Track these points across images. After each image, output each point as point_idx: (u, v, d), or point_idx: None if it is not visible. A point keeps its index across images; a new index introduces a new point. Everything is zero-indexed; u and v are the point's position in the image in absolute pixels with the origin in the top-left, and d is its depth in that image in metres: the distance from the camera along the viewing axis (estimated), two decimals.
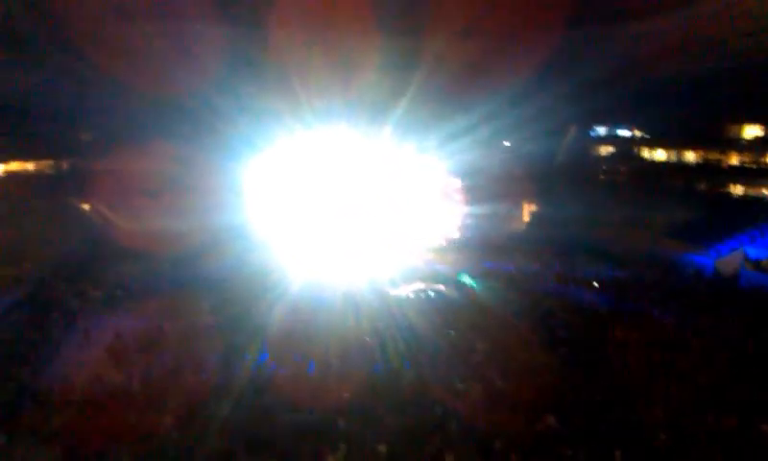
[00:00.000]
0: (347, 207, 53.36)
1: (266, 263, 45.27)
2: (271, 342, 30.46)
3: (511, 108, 61.67)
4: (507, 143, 74.69)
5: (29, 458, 20.93)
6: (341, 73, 53.75)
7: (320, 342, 30.23)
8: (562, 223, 58.23)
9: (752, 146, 58.47)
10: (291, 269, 43.51)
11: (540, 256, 51.96)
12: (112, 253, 47.47)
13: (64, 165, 62.84)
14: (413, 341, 30.72)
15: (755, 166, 57.82)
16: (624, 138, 73.79)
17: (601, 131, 76.68)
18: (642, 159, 70.26)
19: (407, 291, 40.31)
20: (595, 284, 43.84)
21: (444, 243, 56.55)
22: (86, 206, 57.04)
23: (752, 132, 58.92)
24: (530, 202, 68.86)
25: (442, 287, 41.09)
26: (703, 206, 56.61)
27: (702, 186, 62.30)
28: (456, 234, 59.28)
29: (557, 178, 68.59)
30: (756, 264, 44.22)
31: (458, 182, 68.65)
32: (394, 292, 40.21)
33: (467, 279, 41.73)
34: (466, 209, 62.19)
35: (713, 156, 62.31)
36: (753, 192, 56.85)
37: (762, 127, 57.64)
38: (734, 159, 60.12)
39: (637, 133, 72.18)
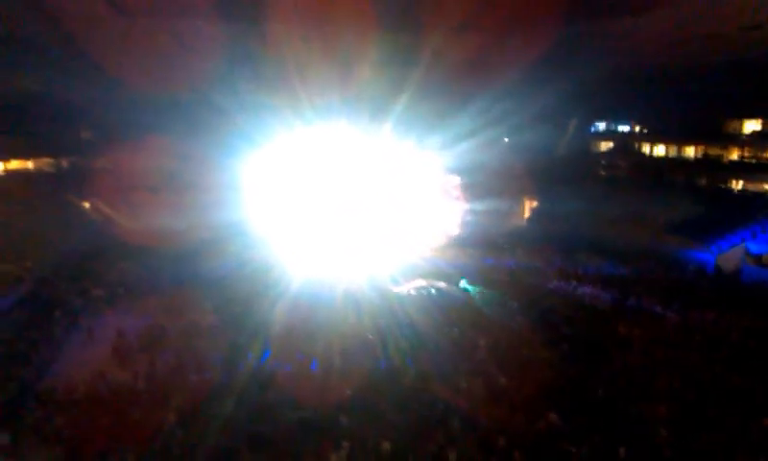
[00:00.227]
0: (347, 204, 53.34)
1: (267, 260, 45.26)
2: (273, 340, 30.47)
3: (510, 104, 61.63)
4: (507, 139, 74.70)
5: (32, 457, 20.96)
6: (340, 69, 53.63)
7: (322, 339, 30.25)
8: (562, 219, 58.25)
9: (752, 141, 58.48)
10: (292, 266, 43.49)
11: (541, 253, 51.96)
12: (114, 250, 47.46)
13: (65, 163, 62.84)
14: (415, 338, 30.73)
15: (755, 161, 57.83)
16: (624, 134, 73.79)
17: (601, 126, 76.68)
18: (643, 155, 70.27)
19: (408, 288, 40.30)
20: (597, 281, 43.84)
21: (445, 240, 56.52)
22: (87, 204, 57.01)
23: (752, 126, 58.93)
24: (530, 198, 68.85)
25: (443, 284, 41.07)
26: (704, 201, 56.63)
27: (702, 182, 62.33)
28: (457, 231, 59.23)
29: (557, 173, 68.58)
30: (758, 259, 44.27)
31: (458, 179, 68.69)
32: (395, 289, 40.21)
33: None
34: (466, 206, 62.17)
35: (714, 151, 62.32)
36: (753, 187, 56.86)
37: (762, 122, 57.64)
38: (735, 155, 60.14)
39: (638, 129, 72.17)
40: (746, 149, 59.12)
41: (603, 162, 74.75)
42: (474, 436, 21.69)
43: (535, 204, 68.52)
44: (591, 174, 71.76)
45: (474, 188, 63.52)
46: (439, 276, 42.91)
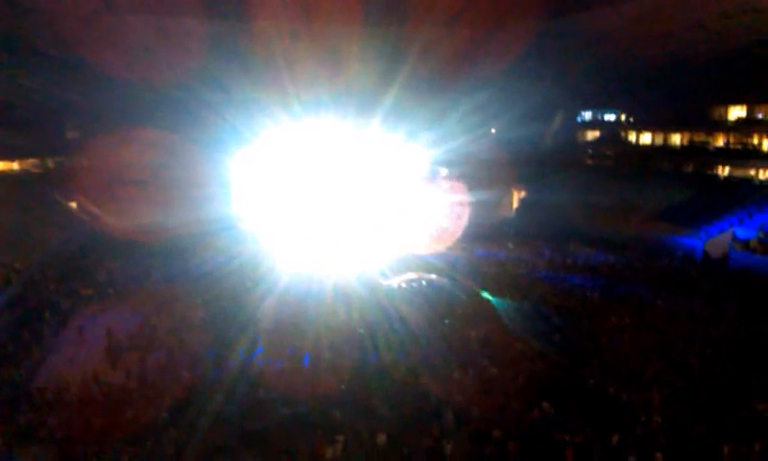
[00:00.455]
0: (336, 199, 53.25)
1: (257, 256, 45.18)
2: (264, 335, 30.42)
3: (497, 96, 61.72)
4: (494, 131, 74.81)
5: (25, 458, 20.83)
6: (328, 64, 53.51)
7: (312, 334, 30.23)
8: (551, 209, 58.45)
9: (737, 127, 58.79)
10: (282, 261, 43.43)
11: (531, 243, 52.18)
12: (102, 249, 47.21)
13: (51, 163, 62.35)
14: (405, 331, 30.76)
15: (740, 147, 58.15)
16: (611, 123, 73.98)
17: (587, 116, 76.84)
18: (629, 143, 70.49)
19: (398, 281, 40.30)
20: (586, 270, 44.05)
21: (435, 232, 56.60)
22: (75, 204, 56.63)
23: (736, 113, 59.23)
24: (519, 189, 69.02)
25: (433, 277, 41.11)
26: (691, 188, 56.93)
27: (689, 169, 62.61)
28: (446, 223, 59.30)
29: (545, 164, 68.77)
30: (745, 244, 44.52)
31: (446, 171, 68.79)
32: (385, 283, 40.20)
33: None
34: (455, 198, 62.21)
35: (700, 138, 62.60)
36: (739, 173, 57.20)
37: (747, 108, 57.96)
38: (721, 141, 60.45)
39: (624, 118, 72.37)
40: (731, 135, 59.43)
41: (590, 152, 74.94)
42: (468, 428, 21.73)
43: (523, 194, 68.69)
44: (579, 163, 71.94)
45: (463, 180, 63.59)
46: (428, 268, 42.94)
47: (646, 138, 69.24)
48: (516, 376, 25.62)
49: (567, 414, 22.10)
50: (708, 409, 22.59)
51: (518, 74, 58.33)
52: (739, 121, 58.58)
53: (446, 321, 32.77)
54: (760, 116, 56.83)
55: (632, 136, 70.74)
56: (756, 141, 56.84)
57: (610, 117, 74.25)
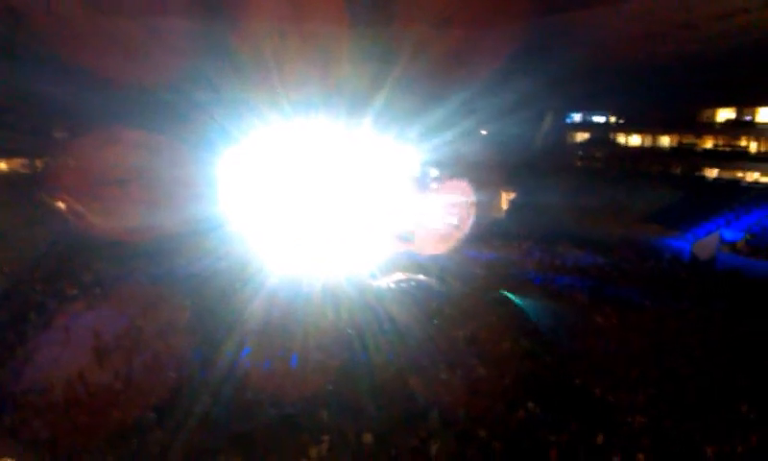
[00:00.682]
0: (325, 199, 53.16)
1: (244, 256, 45.06)
2: (251, 336, 30.35)
3: (487, 96, 61.75)
4: (484, 132, 74.90)
5: (9, 459, 20.70)
6: (318, 64, 53.45)
7: (300, 335, 30.19)
8: (540, 210, 58.60)
9: (725, 129, 59.10)
10: (270, 261, 43.34)
11: (520, 244, 52.29)
12: (89, 249, 46.93)
13: (37, 162, 61.97)
14: (394, 332, 30.77)
15: (728, 149, 58.47)
16: (600, 124, 74.17)
17: (577, 117, 77.02)
18: (618, 145, 70.72)
19: (387, 282, 40.31)
20: (574, 271, 44.19)
21: (424, 233, 56.63)
22: (61, 204, 56.30)
23: (725, 115, 59.53)
24: (508, 190, 69.12)
25: (422, 277, 41.14)
26: (679, 190, 57.18)
27: (677, 171, 62.89)
28: (436, 223, 59.38)
29: (534, 165, 68.90)
30: (732, 246, 44.77)
31: (436, 172, 68.83)
32: (374, 283, 40.19)
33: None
34: (445, 198, 62.29)
35: (688, 140, 62.90)
36: (727, 175, 57.51)
37: (735, 110, 58.28)
38: (709, 143, 60.75)
39: (613, 119, 72.60)
40: (720, 138, 59.75)
41: (579, 153, 75.12)
42: (454, 428, 21.75)
43: (513, 196, 68.80)
44: (568, 165, 72.10)
45: (452, 181, 63.65)
46: (417, 269, 42.97)
47: (635, 140, 69.49)
48: (502, 376, 25.68)
49: (553, 414, 22.17)
50: (692, 410, 22.70)
51: (508, 75, 58.35)
52: (728, 123, 58.89)
53: (435, 321, 32.80)
54: (748, 118, 57.16)
55: (621, 138, 70.97)
56: (743, 143, 57.18)
57: (599, 119, 74.45)
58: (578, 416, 21.99)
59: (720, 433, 20.92)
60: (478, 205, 61.56)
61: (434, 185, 66.70)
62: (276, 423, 22.37)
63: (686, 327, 31.96)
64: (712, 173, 59.39)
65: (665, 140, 65.87)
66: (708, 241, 45.95)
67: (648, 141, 67.97)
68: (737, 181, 55.78)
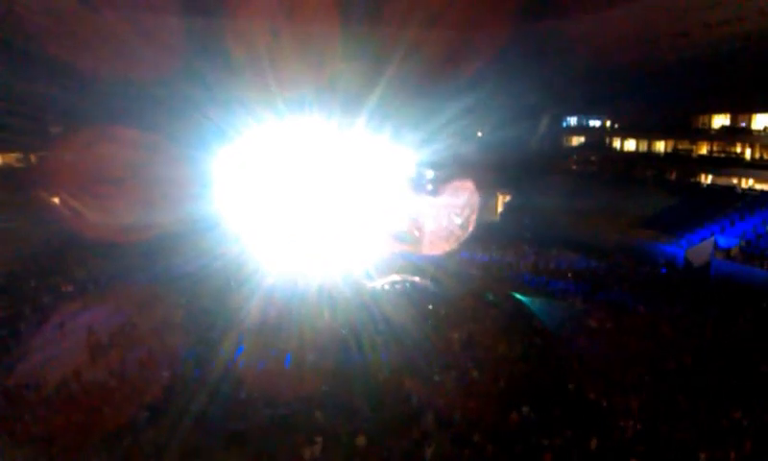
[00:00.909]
0: (321, 199, 53.10)
1: (240, 255, 45.01)
2: (246, 335, 30.33)
3: (483, 98, 61.81)
4: (480, 134, 75.00)
5: (3, 456, 20.65)
6: (313, 63, 53.41)
7: (295, 335, 30.16)
8: (535, 213, 58.71)
9: (720, 136, 59.27)
10: (265, 261, 43.28)
11: (514, 247, 52.33)
12: (84, 246, 46.81)
13: (33, 157, 61.75)
14: (389, 333, 30.77)
15: (723, 155, 58.63)
16: (595, 129, 74.30)
17: (572, 121, 77.16)
18: (613, 150, 70.86)
19: (382, 283, 40.31)
20: (569, 274, 44.28)
21: (420, 234, 56.69)
22: (56, 200, 56.13)
23: (720, 121, 59.71)
24: (504, 192, 69.22)
25: (417, 278, 41.16)
26: (674, 195, 57.32)
27: (673, 176, 63.04)
28: (432, 225, 59.41)
29: (530, 168, 69.01)
30: (726, 253, 44.86)
31: (432, 173, 68.85)
32: (369, 284, 40.20)
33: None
34: (440, 200, 62.32)
35: (683, 146, 63.07)
36: (722, 181, 57.67)
37: (730, 117, 58.46)
38: (704, 149, 60.92)
39: (608, 124, 72.73)
40: (715, 143, 59.92)
41: (575, 157, 75.26)
42: (448, 431, 21.79)
43: (508, 198, 68.90)
44: (563, 169, 72.24)
45: (447, 182, 63.68)
46: (413, 270, 42.98)
47: (630, 145, 69.65)
48: (497, 379, 25.73)
49: (547, 418, 22.22)
50: (686, 416, 22.78)
51: (504, 78, 58.45)
52: (723, 129, 59.06)
53: (429, 323, 32.82)
54: (743, 125, 57.32)
55: (616, 143, 71.14)
56: (738, 149, 57.35)
57: (595, 123, 74.59)
58: (572, 420, 22.05)
59: (713, 439, 21.00)
60: (474, 207, 61.58)
61: (429, 187, 66.70)
62: (270, 423, 22.39)
63: (680, 332, 32.04)
64: (707, 179, 59.55)
65: (661, 145, 66.03)
66: (703, 247, 46.01)
67: (643, 146, 68.12)
68: (732, 188, 55.93)
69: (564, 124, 77.32)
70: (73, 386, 25.17)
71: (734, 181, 56.46)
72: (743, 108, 56.72)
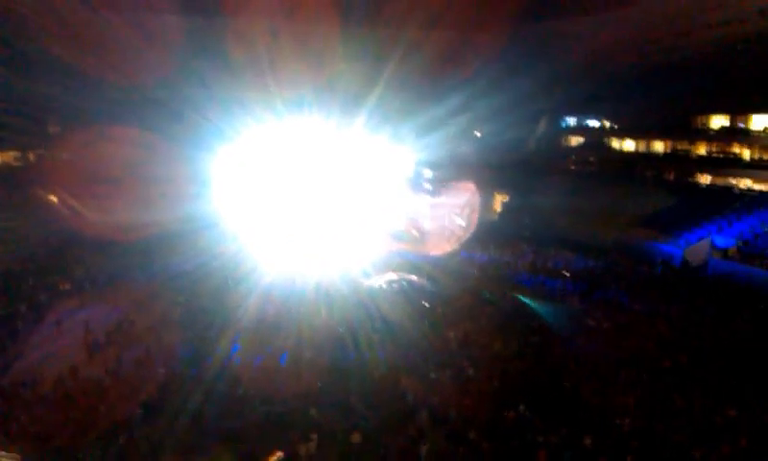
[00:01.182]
0: (318, 198, 53.10)
1: (237, 254, 45.05)
2: (242, 333, 30.37)
3: (481, 98, 61.83)
4: (478, 134, 74.98)
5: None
6: (311, 62, 53.42)
7: (292, 332, 30.20)
8: (534, 213, 58.74)
9: (719, 136, 59.31)
10: (262, 260, 43.30)
11: (512, 247, 52.36)
12: (81, 245, 46.83)
13: (31, 156, 61.75)
14: (385, 331, 30.80)
15: (722, 156, 58.68)
16: (594, 129, 74.32)
17: (572, 121, 77.17)
18: (612, 150, 70.88)
19: (379, 281, 40.32)
20: (566, 274, 44.29)
21: (418, 233, 56.75)
22: (54, 198, 56.14)
23: (719, 122, 59.75)
24: (502, 192, 69.22)
25: (414, 277, 41.17)
26: (672, 195, 57.36)
27: (671, 176, 63.08)
28: (429, 224, 59.48)
29: (528, 168, 69.03)
30: (724, 252, 44.92)
31: (430, 173, 68.82)
32: (366, 282, 40.22)
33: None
34: (438, 199, 62.37)
35: (682, 146, 63.11)
36: (720, 182, 57.71)
37: (729, 117, 58.50)
38: (702, 150, 60.95)
39: (607, 124, 72.75)
40: (713, 144, 59.95)
41: (573, 157, 75.28)
42: (444, 428, 21.82)
43: (506, 198, 68.90)
44: (562, 168, 72.25)
45: (446, 182, 63.75)
46: (410, 269, 43.00)
47: (629, 145, 69.69)
48: (493, 377, 25.75)
49: (542, 416, 22.24)
50: (681, 413, 22.82)
51: (503, 79, 58.47)
52: (721, 130, 59.10)
53: (426, 321, 32.83)
54: (742, 125, 57.36)
55: (615, 143, 71.17)
56: (736, 150, 57.38)
57: (593, 123, 74.61)
58: (567, 418, 22.07)
59: (708, 436, 21.02)
60: (472, 206, 61.61)
61: (428, 186, 66.69)
62: (266, 420, 22.42)
63: (677, 331, 32.09)
64: (705, 179, 59.58)
65: (659, 146, 66.08)
66: (700, 247, 46.05)
67: (642, 146, 68.16)
68: (730, 188, 55.98)
69: (563, 124, 77.36)
70: (69, 384, 25.16)
71: (732, 181, 56.49)
72: (742, 109, 56.76)
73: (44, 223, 49.87)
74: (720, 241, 46.11)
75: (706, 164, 59.74)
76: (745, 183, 55.53)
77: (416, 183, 65.09)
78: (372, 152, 58.77)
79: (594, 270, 45.93)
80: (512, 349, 29.37)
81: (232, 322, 31.68)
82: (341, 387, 24.85)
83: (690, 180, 60.61)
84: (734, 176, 56.41)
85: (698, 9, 45.94)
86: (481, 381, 25.56)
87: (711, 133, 60.00)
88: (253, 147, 54.85)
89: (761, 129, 54.87)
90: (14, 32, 47.05)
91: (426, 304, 35.68)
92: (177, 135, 55.46)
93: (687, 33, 49.15)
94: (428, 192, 64.68)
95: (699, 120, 61.39)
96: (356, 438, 20.76)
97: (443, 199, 62.21)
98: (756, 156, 55.60)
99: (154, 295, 36.30)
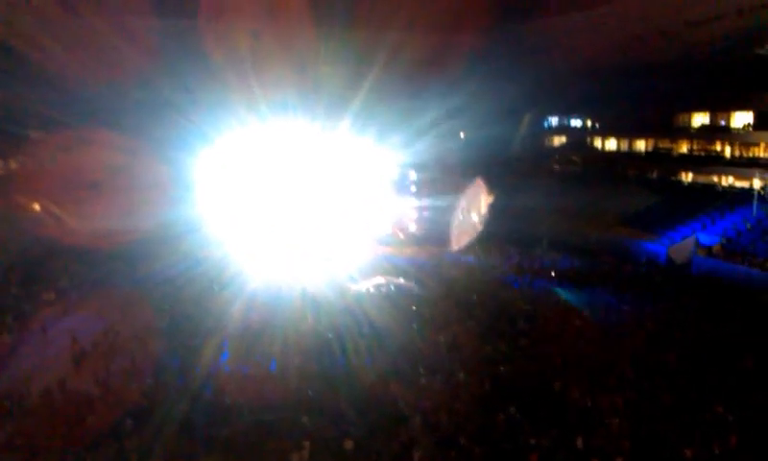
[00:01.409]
0: (304, 202, 52.95)
1: (222, 259, 44.79)
2: (230, 340, 30.16)
3: (465, 100, 61.90)
4: (462, 135, 75.09)
5: None
6: (294, 65, 53.26)
7: (280, 339, 29.99)
8: (519, 213, 58.83)
9: (701, 134, 59.81)
10: (249, 265, 43.08)
11: (499, 248, 52.43)
12: (65, 252, 46.35)
13: (13, 163, 61.10)
14: (374, 336, 30.67)
15: (704, 154, 59.17)
16: (577, 129, 74.70)
17: (554, 121, 77.51)
18: (595, 149, 71.28)
19: (367, 286, 40.21)
20: (552, 274, 44.43)
21: (404, 236, 56.73)
22: (37, 206, 55.58)
23: (700, 120, 60.23)
24: (487, 193, 69.28)
25: (402, 281, 41.10)
26: (655, 194, 57.75)
27: (654, 175, 63.52)
28: (414, 227, 59.50)
29: (512, 168, 69.20)
30: (708, 250, 45.28)
31: (414, 175, 68.79)
32: (353, 287, 40.10)
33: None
34: (424, 202, 62.36)
35: (664, 144, 63.58)
36: (703, 179, 58.18)
37: (710, 115, 58.97)
38: (685, 148, 61.44)
39: (590, 124, 73.15)
40: (695, 142, 60.45)
41: (556, 157, 75.62)
42: (435, 433, 21.74)
43: (491, 199, 68.97)
44: (546, 169, 72.54)
45: (432, 184, 63.75)
46: (397, 272, 42.92)
47: (612, 144, 70.13)
48: (483, 381, 25.71)
49: (533, 418, 22.23)
50: (670, 412, 22.89)
51: (486, 79, 58.59)
52: (703, 128, 59.58)
53: (414, 325, 32.74)
54: (723, 123, 57.87)
55: (598, 142, 71.60)
56: (718, 148, 57.89)
57: (576, 123, 75.01)
58: (558, 420, 22.08)
59: (698, 435, 21.10)
60: (457, 207, 61.65)
61: (413, 188, 66.68)
62: (256, 428, 22.23)
63: (663, 330, 32.24)
64: (688, 177, 60.06)
65: (642, 144, 66.53)
66: (685, 245, 46.39)
67: (624, 145, 68.69)
68: (713, 186, 56.48)
69: (546, 124, 77.70)
70: (55, 394, 24.86)
71: (715, 179, 56.97)
72: (722, 106, 57.25)
73: (27, 231, 49.30)
74: (704, 239, 46.49)
75: (689, 162, 60.28)
76: (727, 181, 56.03)
77: (401, 186, 65.00)
78: (356, 155, 58.64)
79: (580, 269, 46.11)
80: (501, 352, 29.35)
81: (219, 329, 31.43)
82: (331, 394, 24.69)
83: (674, 178, 61.18)
84: (717, 173, 56.91)
85: (677, 7, 46.28)
86: (471, 385, 25.50)
87: (693, 131, 60.55)
88: (237, 150, 54.58)
89: (742, 126, 55.37)
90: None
91: (414, 308, 35.61)
92: (159, 139, 55.08)
93: (667, 31, 49.45)
94: (413, 194, 64.65)
95: (681, 118, 61.90)
96: (349, 445, 20.65)
97: (428, 200, 62.20)
98: (738, 153, 56.12)
99: (138, 302, 35.94)
